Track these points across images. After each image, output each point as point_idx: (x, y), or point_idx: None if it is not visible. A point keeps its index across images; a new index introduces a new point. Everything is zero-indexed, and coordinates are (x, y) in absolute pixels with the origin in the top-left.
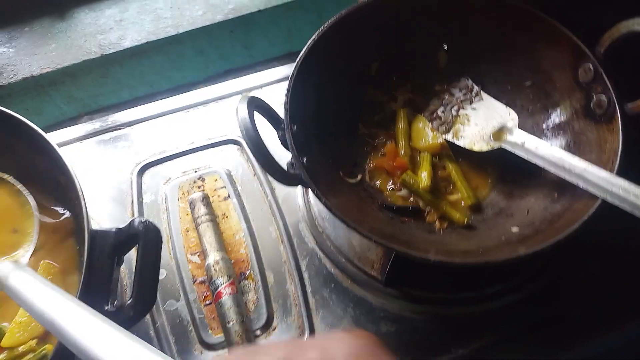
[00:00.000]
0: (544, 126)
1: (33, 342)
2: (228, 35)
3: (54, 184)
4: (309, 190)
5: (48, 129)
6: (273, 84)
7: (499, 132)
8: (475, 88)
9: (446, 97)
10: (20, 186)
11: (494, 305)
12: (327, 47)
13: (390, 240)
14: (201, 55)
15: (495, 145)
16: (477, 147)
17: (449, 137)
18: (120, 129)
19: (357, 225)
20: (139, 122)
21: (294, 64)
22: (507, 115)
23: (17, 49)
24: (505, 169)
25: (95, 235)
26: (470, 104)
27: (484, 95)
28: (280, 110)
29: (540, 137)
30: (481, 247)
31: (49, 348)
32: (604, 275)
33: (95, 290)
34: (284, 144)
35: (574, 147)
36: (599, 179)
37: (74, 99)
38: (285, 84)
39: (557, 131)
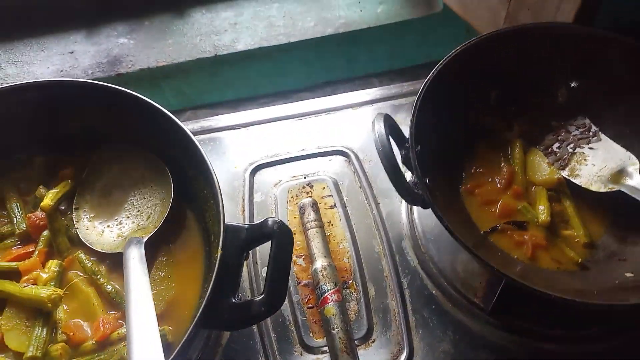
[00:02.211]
0: None
1: None
2: (335, 48)
3: (181, 176)
4: (414, 208)
5: None
6: (387, 100)
7: (618, 175)
8: (593, 128)
9: (562, 133)
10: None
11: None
12: (449, 74)
13: (508, 272)
14: (306, 65)
15: (614, 187)
16: (594, 187)
17: (565, 173)
18: (235, 129)
19: (476, 251)
20: (252, 125)
21: (398, 85)
22: (628, 159)
23: (137, 41)
24: (619, 212)
25: (228, 229)
26: (588, 143)
27: (602, 136)
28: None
29: None
30: (595, 289)
31: None
32: None
33: (226, 282)
34: (406, 163)
35: None
36: None
37: (182, 94)
38: (386, 103)
39: None
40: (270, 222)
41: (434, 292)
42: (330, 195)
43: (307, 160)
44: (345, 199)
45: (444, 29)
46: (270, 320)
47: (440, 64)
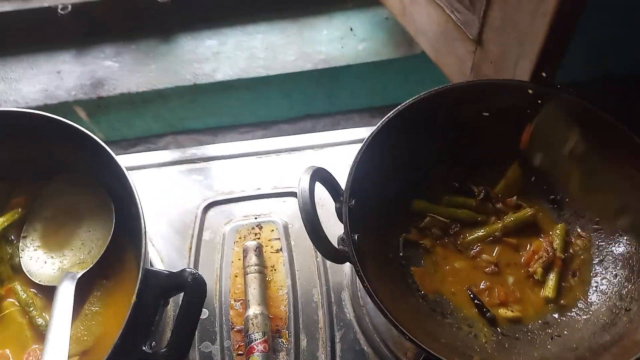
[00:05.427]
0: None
1: (76, 358)
2: (314, 83)
3: (125, 213)
4: None
5: (136, 141)
6: (351, 144)
7: None
8: None
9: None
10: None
11: None
12: (402, 126)
13: (426, 340)
14: (286, 98)
15: None
16: None
17: None
18: (196, 162)
19: (392, 318)
20: (214, 159)
21: (366, 129)
22: None
23: (121, 64)
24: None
25: (148, 274)
26: None
27: None
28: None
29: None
30: None
31: None
32: None
33: (138, 329)
34: (339, 216)
35: None
36: None
37: (162, 119)
38: (351, 146)
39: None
40: (186, 272)
41: (365, 348)
42: (278, 239)
43: (261, 200)
44: (292, 243)
45: (426, 70)
46: None
47: (387, 117)
